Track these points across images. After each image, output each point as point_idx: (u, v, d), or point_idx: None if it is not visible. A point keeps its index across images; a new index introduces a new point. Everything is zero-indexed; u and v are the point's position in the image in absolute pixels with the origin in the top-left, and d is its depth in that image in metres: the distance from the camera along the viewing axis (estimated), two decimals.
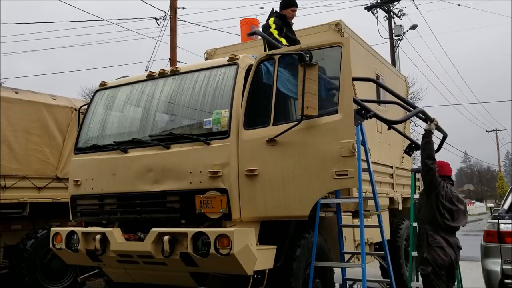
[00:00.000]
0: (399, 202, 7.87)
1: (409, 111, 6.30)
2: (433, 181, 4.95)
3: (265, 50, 5.30)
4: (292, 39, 5.61)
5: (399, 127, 8.48)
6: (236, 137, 4.45)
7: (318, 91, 4.17)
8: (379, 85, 6.66)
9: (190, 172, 4.48)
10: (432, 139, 5.19)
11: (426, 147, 5.07)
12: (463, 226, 5.06)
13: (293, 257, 4.68)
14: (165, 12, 15.75)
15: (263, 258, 4.29)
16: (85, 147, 5.43)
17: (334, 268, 5.38)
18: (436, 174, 4.97)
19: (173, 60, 14.48)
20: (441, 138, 6.07)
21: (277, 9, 5.88)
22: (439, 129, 5.64)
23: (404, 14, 24.57)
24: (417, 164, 26.70)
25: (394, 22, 24.26)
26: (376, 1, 23.72)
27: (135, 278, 5.03)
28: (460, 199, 5.08)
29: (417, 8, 30.09)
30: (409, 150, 6.40)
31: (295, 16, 5.87)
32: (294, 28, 6.06)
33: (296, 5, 5.89)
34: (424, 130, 5.32)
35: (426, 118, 5.52)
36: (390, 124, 5.58)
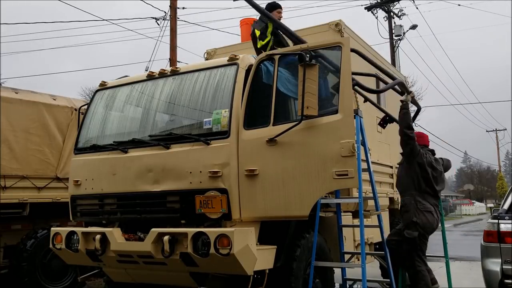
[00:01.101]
0: (399, 202, 7.85)
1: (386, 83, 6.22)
2: (413, 150, 5.24)
3: (259, 47, 5.32)
4: (278, 41, 5.63)
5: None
6: (236, 137, 4.45)
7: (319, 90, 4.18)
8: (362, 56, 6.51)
9: (190, 172, 4.48)
10: (409, 110, 5.40)
11: (405, 117, 5.27)
12: (442, 189, 5.49)
13: (293, 257, 4.68)
14: (165, 12, 15.78)
15: (263, 258, 4.29)
16: (85, 147, 5.43)
17: (334, 268, 5.38)
18: (416, 143, 5.24)
19: (173, 60, 14.49)
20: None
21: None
22: (414, 101, 5.81)
23: (404, 14, 24.60)
24: None
25: (394, 22, 24.29)
26: (376, 1, 23.72)
27: (135, 278, 5.03)
28: (438, 162, 5.47)
29: (417, 8, 30.12)
30: (383, 123, 6.42)
31: (282, 17, 5.93)
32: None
33: (280, 7, 5.96)
34: (401, 101, 5.49)
35: (404, 90, 5.68)
36: (371, 92, 5.66)
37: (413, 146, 5.25)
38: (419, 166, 5.26)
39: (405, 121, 5.28)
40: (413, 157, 5.26)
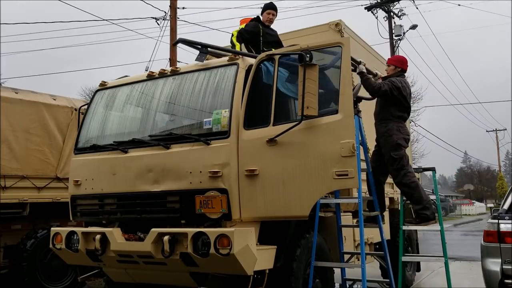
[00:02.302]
0: (399, 202, 7.86)
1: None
2: (390, 92, 5.52)
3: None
4: (267, 42, 5.67)
5: None
6: (236, 137, 4.45)
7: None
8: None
9: (190, 172, 4.47)
10: (367, 76, 5.58)
11: (367, 84, 5.49)
12: None
13: (293, 257, 4.68)
14: (165, 12, 15.81)
15: (263, 258, 4.29)
16: (85, 147, 5.43)
17: (334, 268, 5.38)
18: (387, 88, 5.51)
19: (173, 60, 14.50)
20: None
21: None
22: (368, 70, 5.84)
23: (404, 14, 24.60)
24: (417, 164, 26.71)
25: (394, 22, 24.29)
26: (376, 1, 23.72)
27: (135, 278, 5.03)
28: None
29: (417, 8, 30.07)
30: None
31: (271, 18, 5.93)
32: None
33: (271, 8, 5.96)
34: (357, 73, 5.58)
35: (354, 63, 5.69)
36: None
37: (387, 91, 5.52)
38: (403, 98, 5.63)
39: (370, 87, 5.51)
40: (391, 96, 5.57)
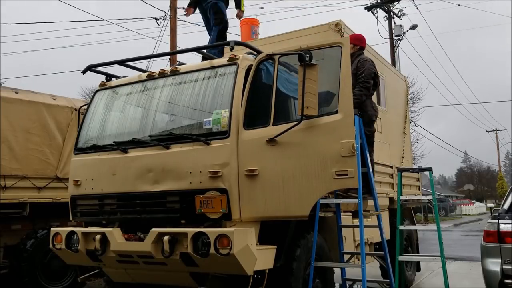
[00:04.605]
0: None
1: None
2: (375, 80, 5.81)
3: None
4: None
5: (400, 125, 8.50)
6: (236, 137, 4.45)
7: None
8: None
9: (190, 172, 4.47)
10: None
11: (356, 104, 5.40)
12: None
13: (293, 257, 4.68)
14: (165, 12, 15.85)
15: (263, 258, 4.29)
16: (85, 147, 5.43)
17: (334, 268, 5.38)
18: (370, 81, 5.66)
19: (173, 60, 14.49)
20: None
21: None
22: None
23: (404, 14, 24.62)
24: (417, 164, 26.72)
25: (394, 22, 24.31)
26: (376, 1, 23.73)
27: (135, 278, 5.03)
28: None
29: (417, 8, 30.07)
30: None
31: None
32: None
33: None
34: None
35: None
36: None
37: (369, 86, 5.66)
38: (376, 77, 5.84)
39: (357, 102, 5.45)
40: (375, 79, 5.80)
